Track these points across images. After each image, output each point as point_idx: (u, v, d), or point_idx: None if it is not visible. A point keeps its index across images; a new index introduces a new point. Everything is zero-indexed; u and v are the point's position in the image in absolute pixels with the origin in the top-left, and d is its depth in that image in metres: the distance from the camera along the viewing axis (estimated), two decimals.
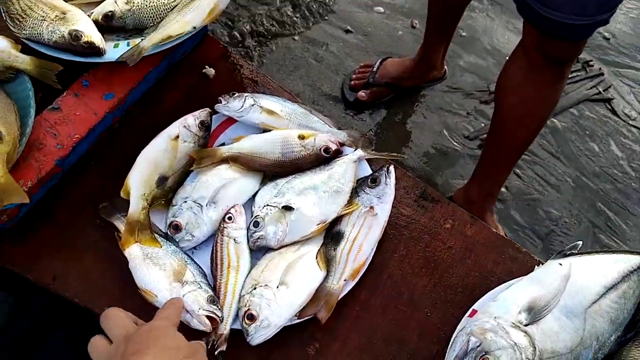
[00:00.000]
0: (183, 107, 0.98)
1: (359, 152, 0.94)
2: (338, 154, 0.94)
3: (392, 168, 0.89)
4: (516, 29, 2.08)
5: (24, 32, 0.89)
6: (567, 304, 0.76)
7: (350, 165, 0.92)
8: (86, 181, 0.92)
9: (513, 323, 0.74)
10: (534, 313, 0.75)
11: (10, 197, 0.77)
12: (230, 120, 0.98)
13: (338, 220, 0.88)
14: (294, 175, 0.92)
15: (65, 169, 0.88)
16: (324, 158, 0.92)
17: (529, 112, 1.32)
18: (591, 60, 2.06)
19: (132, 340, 0.57)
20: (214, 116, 0.95)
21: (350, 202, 0.89)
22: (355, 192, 0.90)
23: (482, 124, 1.86)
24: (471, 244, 0.91)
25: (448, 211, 0.95)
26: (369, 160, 0.95)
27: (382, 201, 0.88)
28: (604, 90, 2.00)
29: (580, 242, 0.84)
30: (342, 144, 0.95)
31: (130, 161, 0.89)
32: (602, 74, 2.03)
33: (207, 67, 1.06)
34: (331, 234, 0.87)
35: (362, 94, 1.85)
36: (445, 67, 1.92)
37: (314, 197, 0.88)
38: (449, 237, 0.91)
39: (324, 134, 0.94)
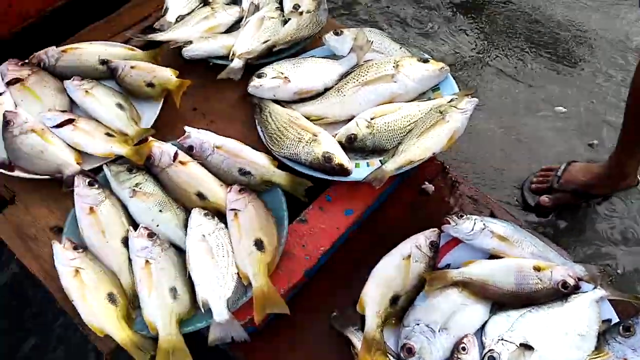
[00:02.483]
0: (405, 223, 1.02)
1: (602, 292, 0.88)
2: (576, 289, 0.89)
3: None
4: None
5: (282, 151, 1.01)
6: None
7: (593, 306, 0.86)
8: (317, 287, 0.98)
9: None
10: None
11: (272, 307, 0.84)
12: (455, 240, 0.99)
13: None
14: (528, 309, 0.88)
15: (308, 279, 0.95)
16: (561, 293, 0.88)
17: None
18: None
19: None
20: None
21: (597, 348, 0.82)
22: (602, 338, 0.83)
23: None
24: None
25: None
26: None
27: (638, 354, 0.80)
28: None
29: None
30: (579, 279, 0.90)
31: (356, 272, 0.93)
32: None
33: (426, 182, 1.10)
34: None
35: (545, 198, 1.76)
36: None
37: (556, 338, 0.83)
38: None
39: (562, 267, 0.90)
